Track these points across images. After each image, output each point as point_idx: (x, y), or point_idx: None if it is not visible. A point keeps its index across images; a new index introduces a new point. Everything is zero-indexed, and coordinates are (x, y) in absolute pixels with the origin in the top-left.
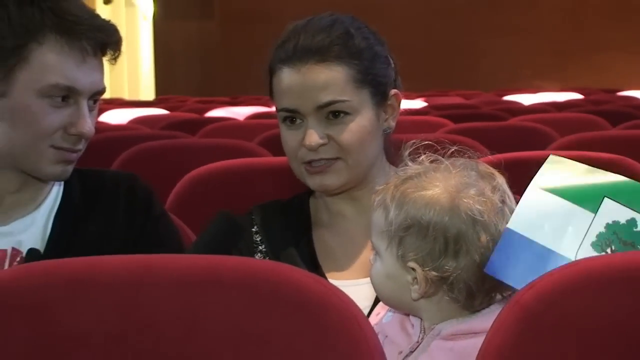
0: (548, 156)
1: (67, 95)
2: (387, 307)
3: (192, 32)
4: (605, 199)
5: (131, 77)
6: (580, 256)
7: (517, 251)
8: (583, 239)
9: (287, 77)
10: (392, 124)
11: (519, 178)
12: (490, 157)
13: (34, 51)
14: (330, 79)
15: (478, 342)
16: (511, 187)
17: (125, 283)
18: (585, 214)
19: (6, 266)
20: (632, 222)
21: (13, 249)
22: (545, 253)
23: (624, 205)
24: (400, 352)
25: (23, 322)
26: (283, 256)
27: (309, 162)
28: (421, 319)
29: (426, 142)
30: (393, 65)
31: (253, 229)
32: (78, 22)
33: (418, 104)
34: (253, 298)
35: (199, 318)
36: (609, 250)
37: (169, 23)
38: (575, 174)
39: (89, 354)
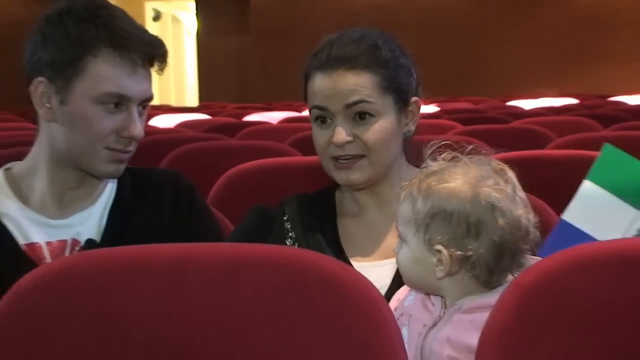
0: (543, 155)
1: (119, 102)
2: (407, 292)
3: (231, 47)
4: None
5: (177, 86)
6: None
7: (569, 239)
8: (626, 229)
9: (320, 80)
10: (412, 128)
11: (521, 173)
12: (500, 154)
13: (89, 63)
14: (358, 83)
15: None
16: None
17: (171, 268)
18: (629, 210)
19: (67, 254)
20: None
21: (73, 239)
22: (590, 240)
23: None
24: (425, 325)
25: (83, 301)
26: (311, 242)
27: (337, 158)
28: (442, 298)
29: (445, 142)
30: (415, 76)
31: (284, 218)
32: (129, 37)
33: (431, 108)
34: (284, 281)
35: (237, 299)
36: None
37: (210, 38)
38: (626, 170)
39: (140, 329)
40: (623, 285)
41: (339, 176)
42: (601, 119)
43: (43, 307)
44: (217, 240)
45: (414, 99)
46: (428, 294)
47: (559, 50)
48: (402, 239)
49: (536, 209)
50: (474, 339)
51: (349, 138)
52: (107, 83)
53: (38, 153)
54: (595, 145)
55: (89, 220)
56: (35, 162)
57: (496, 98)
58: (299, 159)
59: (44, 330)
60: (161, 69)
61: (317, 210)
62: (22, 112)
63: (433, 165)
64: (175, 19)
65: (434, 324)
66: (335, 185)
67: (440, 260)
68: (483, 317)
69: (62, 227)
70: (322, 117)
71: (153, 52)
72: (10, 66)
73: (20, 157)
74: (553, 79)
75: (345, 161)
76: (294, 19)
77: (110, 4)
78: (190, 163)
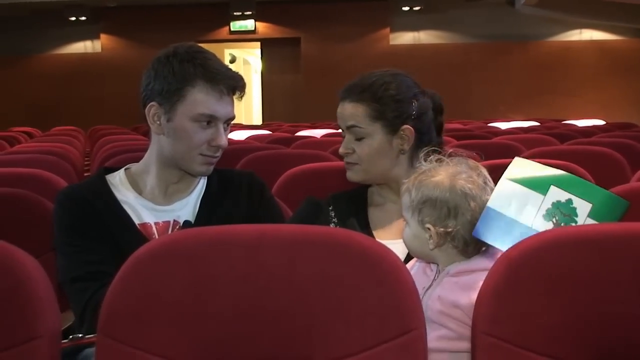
0: (515, 158)
1: (210, 120)
2: (414, 262)
3: (286, 82)
4: (552, 186)
5: (246, 110)
6: (535, 224)
7: (494, 221)
8: (537, 212)
9: (339, 106)
10: (406, 147)
11: (500, 176)
12: (486, 162)
13: (189, 92)
14: (354, 112)
15: (474, 277)
16: (494, 180)
17: (248, 243)
18: (538, 196)
19: (170, 232)
20: (569, 201)
21: (174, 220)
22: (512, 222)
23: (564, 190)
24: (424, 287)
25: (182, 267)
26: (348, 225)
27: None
28: (437, 265)
29: (433, 148)
30: (414, 110)
31: (330, 208)
32: (218, 73)
33: None
34: (333, 253)
35: (297, 266)
36: (554, 219)
37: (271, 76)
38: (532, 170)
39: (225, 289)
40: (586, 260)
41: (347, 174)
42: (558, 136)
43: (154, 272)
44: (281, 222)
45: (403, 127)
46: (428, 263)
47: (524, 86)
48: (406, 221)
49: None
50: (457, 297)
51: (347, 150)
52: (201, 106)
53: (150, 157)
54: (555, 156)
55: (186, 207)
56: (148, 164)
57: (479, 120)
58: (337, 163)
59: (154, 290)
60: (240, 97)
61: (353, 202)
62: (134, 128)
63: (424, 165)
64: (245, 62)
65: (430, 286)
66: (369, 184)
67: (430, 236)
68: (465, 279)
69: (167, 211)
70: (342, 133)
71: (235, 85)
72: (125, 95)
73: (136, 160)
74: (520, 107)
75: (348, 164)
76: (331, 63)
77: (205, 49)
78: (258, 166)
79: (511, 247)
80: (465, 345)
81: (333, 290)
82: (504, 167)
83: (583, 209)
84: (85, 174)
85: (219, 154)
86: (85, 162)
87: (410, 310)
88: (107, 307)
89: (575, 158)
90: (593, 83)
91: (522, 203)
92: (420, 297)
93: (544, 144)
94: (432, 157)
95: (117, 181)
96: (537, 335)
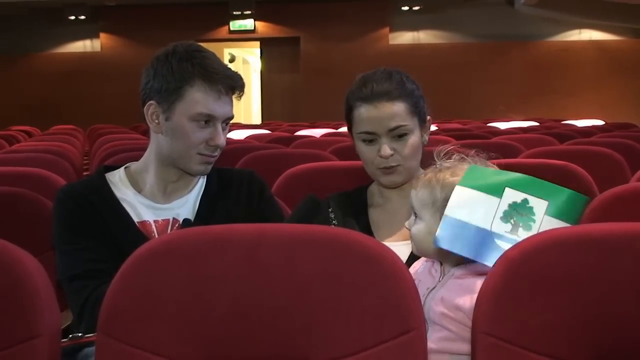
0: (517, 163)
1: (208, 119)
2: (420, 264)
3: (285, 81)
4: (506, 188)
5: (246, 109)
6: (494, 226)
7: (454, 229)
8: (494, 215)
9: (366, 111)
10: (427, 138)
11: None
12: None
13: (187, 91)
14: (396, 111)
15: (477, 280)
16: None
17: (248, 242)
18: (493, 199)
19: (169, 230)
20: (525, 201)
21: (174, 218)
22: (471, 227)
23: (518, 191)
24: (428, 288)
25: (182, 266)
26: (348, 227)
27: (383, 168)
28: (441, 266)
29: (453, 147)
30: (424, 101)
31: (329, 209)
32: (216, 72)
33: (432, 127)
34: (333, 253)
35: (297, 266)
36: (512, 221)
37: (271, 75)
38: (487, 175)
39: (225, 288)
40: (586, 260)
41: (385, 179)
42: (557, 136)
43: (153, 271)
44: (281, 221)
45: (428, 117)
46: (433, 264)
47: (524, 86)
48: (418, 217)
49: None
50: (460, 300)
51: (391, 152)
52: (199, 106)
53: (149, 156)
54: (554, 155)
55: (186, 205)
56: (147, 162)
57: (479, 120)
58: (336, 163)
59: (154, 289)
60: (239, 96)
61: (353, 203)
62: (133, 127)
63: (446, 163)
64: (245, 61)
65: (434, 287)
66: (367, 184)
67: None
68: (469, 281)
69: (166, 209)
70: (369, 139)
71: (234, 84)
72: (124, 94)
73: (136, 159)
74: (520, 107)
75: (390, 168)
76: (331, 62)
77: (204, 48)
78: (257, 165)
79: (511, 247)
80: (466, 347)
81: (332, 289)
82: (503, 167)
83: (539, 207)
84: (85, 173)
85: (217, 153)
86: (85, 161)
87: (410, 310)
88: (107, 306)
89: (574, 158)
90: (592, 83)
91: (479, 208)
92: (424, 297)
93: (543, 144)
94: (455, 155)
95: (117, 179)
96: (537, 335)
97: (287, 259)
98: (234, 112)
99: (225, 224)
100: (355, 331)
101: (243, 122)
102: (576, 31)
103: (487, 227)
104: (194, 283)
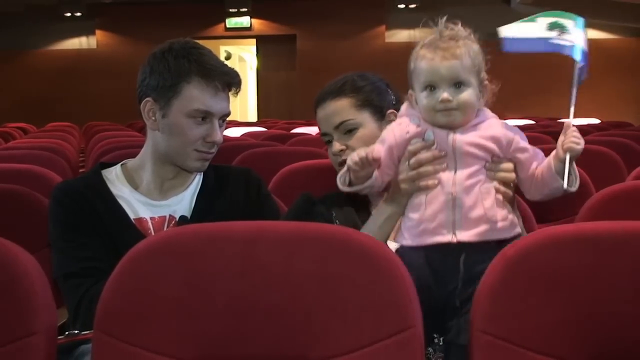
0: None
1: (205, 116)
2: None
3: (281, 79)
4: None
5: (242, 107)
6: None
7: (515, 39)
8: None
9: (318, 113)
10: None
11: None
12: None
13: (184, 88)
14: (337, 108)
15: (489, 122)
16: None
17: (245, 239)
18: (532, 24)
19: (165, 227)
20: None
21: (170, 215)
22: (528, 38)
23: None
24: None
25: (179, 264)
26: (351, 225)
27: (340, 164)
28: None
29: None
30: (392, 97)
31: (331, 211)
32: (213, 69)
33: None
34: (329, 249)
35: (294, 263)
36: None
37: (267, 73)
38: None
39: (221, 285)
40: (583, 258)
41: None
42: (553, 135)
43: (150, 269)
44: (277, 218)
45: (389, 111)
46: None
47: (520, 85)
48: (464, 85)
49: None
50: (492, 131)
51: (342, 147)
52: (196, 102)
53: (145, 152)
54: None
55: (182, 202)
56: (143, 159)
57: None
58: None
59: (151, 286)
60: (236, 93)
61: (354, 201)
62: (129, 124)
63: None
64: (241, 58)
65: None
66: None
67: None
68: (485, 124)
69: (163, 206)
70: (327, 139)
71: (230, 81)
72: (120, 91)
73: (131, 156)
74: (516, 106)
75: (343, 164)
76: (327, 60)
77: (200, 45)
78: (253, 163)
79: (508, 246)
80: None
81: (330, 287)
82: None
83: (570, 24)
84: (80, 170)
85: (214, 150)
86: (80, 158)
87: (407, 308)
88: (103, 303)
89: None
90: (588, 82)
91: (527, 31)
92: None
93: (539, 143)
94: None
95: (113, 176)
96: (534, 334)
97: (284, 257)
98: (230, 109)
99: (222, 221)
100: (353, 329)
101: (239, 119)
102: None
103: (542, 36)
104: (190, 281)
